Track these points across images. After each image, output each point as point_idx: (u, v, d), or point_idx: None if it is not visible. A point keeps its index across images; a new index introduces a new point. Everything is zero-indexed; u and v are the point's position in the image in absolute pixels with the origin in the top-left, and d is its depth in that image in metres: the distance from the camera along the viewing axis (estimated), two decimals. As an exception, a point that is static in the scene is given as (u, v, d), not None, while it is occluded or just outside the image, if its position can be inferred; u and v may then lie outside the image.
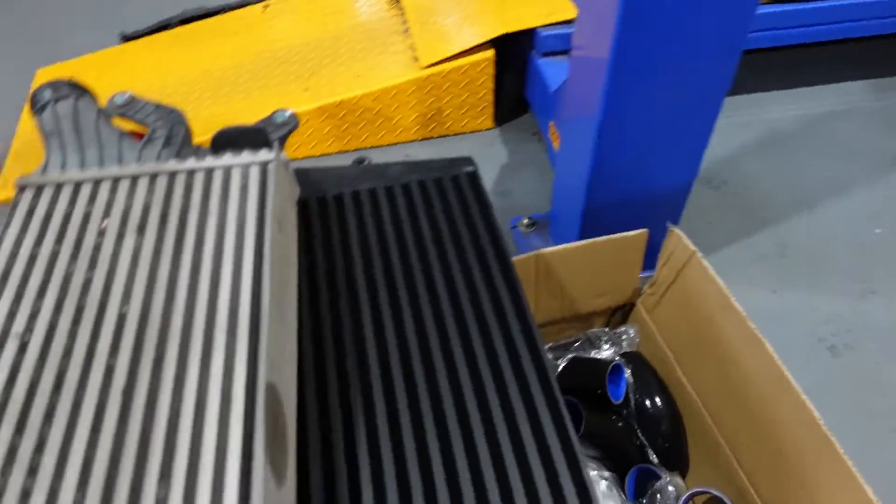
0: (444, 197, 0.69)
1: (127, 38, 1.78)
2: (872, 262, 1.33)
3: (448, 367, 0.55)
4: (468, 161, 0.72)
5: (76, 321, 0.51)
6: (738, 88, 1.71)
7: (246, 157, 0.63)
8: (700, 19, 0.85)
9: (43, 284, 0.53)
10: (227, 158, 0.63)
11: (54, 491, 0.42)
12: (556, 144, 1.38)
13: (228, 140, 0.64)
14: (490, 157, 1.58)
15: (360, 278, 0.62)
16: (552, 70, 1.39)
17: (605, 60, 0.88)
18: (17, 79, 1.81)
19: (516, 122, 1.66)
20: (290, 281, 0.58)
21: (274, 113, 0.68)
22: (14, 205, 0.60)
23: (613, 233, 0.93)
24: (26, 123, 1.63)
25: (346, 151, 1.55)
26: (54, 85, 0.66)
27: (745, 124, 1.67)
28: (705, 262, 0.87)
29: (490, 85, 1.49)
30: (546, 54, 1.42)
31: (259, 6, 1.73)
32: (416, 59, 1.46)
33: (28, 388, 0.47)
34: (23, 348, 0.49)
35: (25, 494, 0.42)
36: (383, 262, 0.63)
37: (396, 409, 0.53)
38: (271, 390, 0.45)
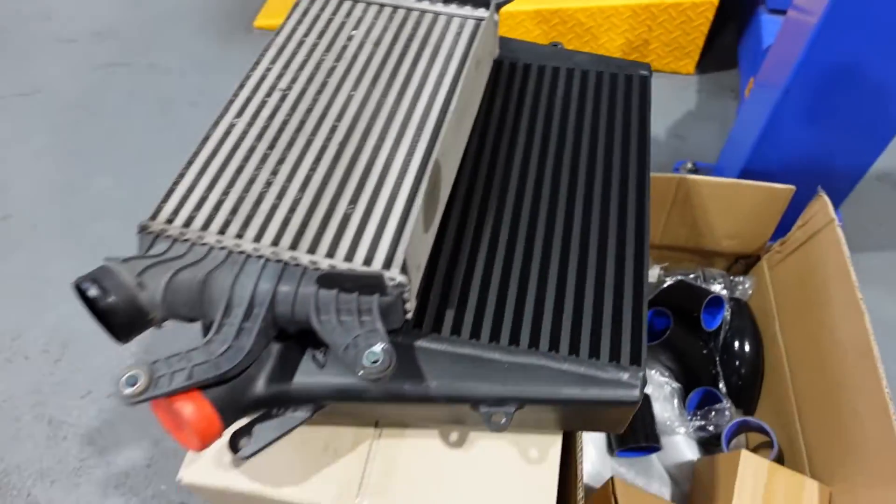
0: (613, 90, 0.80)
1: None
2: None
3: (566, 222, 0.68)
4: (645, 66, 0.82)
5: (319, 92, 0.71)
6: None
7: (467, 10, 0.79)
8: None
9: (303, 63, 0.74)
10: (452, 8, 0.79)
11: (284, 188, 0.62)
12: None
13: (457, -6, 0.79)
14: (679, 100, 1.62)
15: (522, 133, 0.76)
16: (773, 27, 1.38)
17: (814, 25, 0.91)
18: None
19: (717, 75, 1.66)
20: (472, 109, 0.74)
21: (493, -18, 0.81)
22: (296, 4, 0.81)
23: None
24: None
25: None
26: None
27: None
28: (840, 232, 0.91)
29: (705, 29, 1.50)
30: (774, 11, 1.41)
31: None
32: (639, -15, 1.51)
33: (281, 124, 0.68)
34: (283, 98, 0.70)
35: (268, 184, 0.63)
36: (544, 127, 0.77)
37: (516, 235, 0.67)
38: (437, 165, 0.62)
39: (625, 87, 0.81)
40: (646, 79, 0.82)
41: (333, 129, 0.67)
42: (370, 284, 0.54)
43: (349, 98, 0.70)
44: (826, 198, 0.95)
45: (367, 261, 0.57)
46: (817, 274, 0.94)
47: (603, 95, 0.80)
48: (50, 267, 1.38)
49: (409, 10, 0.79)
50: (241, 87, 0.72)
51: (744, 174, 1.16)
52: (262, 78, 0.72)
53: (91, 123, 1.62)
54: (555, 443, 0.65)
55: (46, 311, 1.31)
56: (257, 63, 0.74)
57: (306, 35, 0.77)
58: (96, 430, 1.17)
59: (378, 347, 0.52)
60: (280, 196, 0.62)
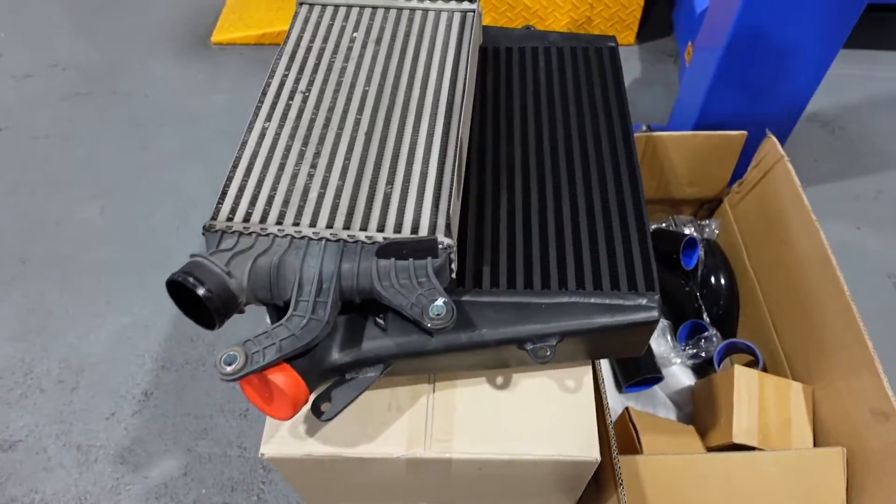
0: (587, 61, 0.90)
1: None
2: (965, 223, 1.42)
3: (569, 179, 0.78)
4: (612, 39, 0.92)
5: (336, 90, 0.78)
6: (884, 43, 1.74)
7: (453, 4, 0.87)
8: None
9: (316, 65, 0.81)
10: (440, 3, 0.87)
11: (326, 178, 0.70)
12: (689, 64, 1.52)
13: (441, -9, 0.87)
14: (625, 70, 1.73)
15: (516, 108, 0.85)
16: (702, -6, 1.52)
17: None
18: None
19: (656, 43, 1.80)
20: (472, 90, 0.83)
21: (473, -23, 0.90)
22: (296, 14, 0.87)
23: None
24: (240, -22, 1.95)
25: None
26: (328, -66, 0.92)
27: (883, 79, 1.72)
28: (789, 166, 1.04)
29: (641, 2, 1.63)
30: (700, -21, 1.54)
31: None
32: (578, -33, 1.62)
33: (309, 122, 0.75)
34: (305, 99, 0.77)
35: (310, 176, 0.70)
36: (535, 100, 0.86)
37: (529, 194, 0.77)
38: (461, 141, 0.70)
39: (596, 58, 0.91)
40: (613, 49, 0.92)
41: (357, 122, 0.75)
42: (423, 248, 0.63)
43: (364, 93, 0.78)
44: (774, 138, 1.08)
45: (414, 230, 0.65)
46: (774, 205, 1.07)
47: (580, 67, 0.90)
48: (48, 300, 1.39)
49: (401, 9, 0.87)
50: (264, 94, 0.78)
51: (697, 129, 1.29)
52: (282, 84, 0.79)
53: (63, 154, 1.62)
54: (587, 372, 0.75)
55: (53, 342, 1.33)
56: (273, 71, 0.81)
57: (312, 41, 0.84)
58: (126, 448, 1.21)
59: (440, 301, 0.60)
60: (324, 185, 0.69)
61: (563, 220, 0.74)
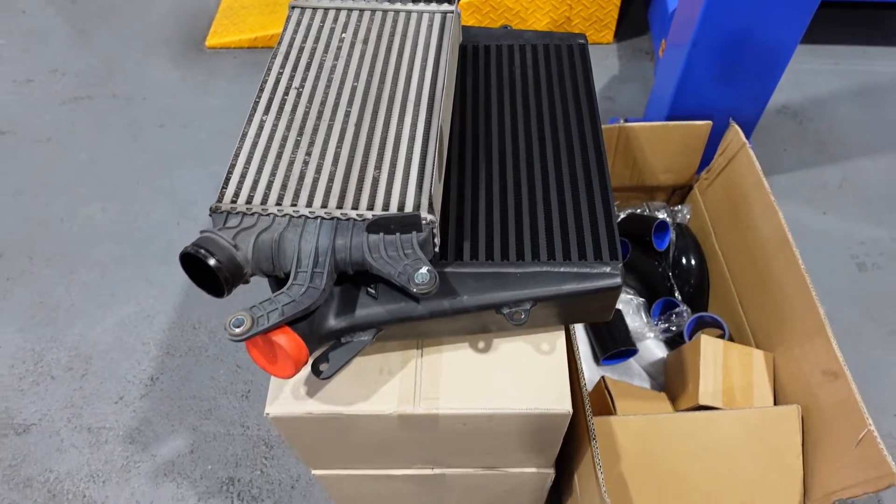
0: (559, 57, 0.98)
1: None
2: (922, 205, 1.50)
3: (542, 161, 0.86)
4: (582, 36, 1.00)
5: (328, 85, 0.86)
6: (849, 38, 1.83)
7: (433, 6, 0.95)
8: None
9: (308, 63, 0.88)
10: (421, 5, 0.95)
11: (320, 164, 0.77)
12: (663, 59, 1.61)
13: (423, -6, 0.95)
14: (604, 67, 1.82)
15: (493, 100, 0.93)
16: (673, -6, 1.60)
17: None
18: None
19: (633, 41, 1.88)
20: (452, 84, 0.91)
21: (452, -18, 0.98)
22: (289, 17, 0.95)
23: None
24: (233, -15, 2.02)
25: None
26: (317, -57, 0.99)
27: (847, 73, 1.80)
28: (752, 153, 1.12)
29: (617, 2, 1.71)
30: (671, -21, 1.63)
31: None
32: (556, -31, 1.70)
33: (303, 114, 0.82)
34: (298, 94, 0.85)
35: (305, 163, 0.77)
36: (510, 93, 0.94)
37: (505, 176, 0.84)
38: (441, 131, 0.78)
39: (567, 54, 0.99)
40: (583, 46, 1.00)
41: (347, 114, 0.82)
42: (409, 223, 0.70)
43: (353, 88, 0.85)
44: (737, 127, 1.16)
45: (401, 207, 0.72)
46: (738, 189, 1.15)
47: (552, 63, 0.98)
48: (55, 293, 1.46)
49: (386, 11, 0.95)
50: (261, 90, 0.85)
51: (668, 121, 1.37)
52: (277, 80, 0.86)
53: (65, 157, 1.69)
54: (560, 336, 0.83)
55: (62, 332, 1.40)
56: (269, 69, 0.88)
57: (304, 41, 0.91)
58: (135, 429, 1.28)
59: (424, 269, 0.68)
60: (318, 171, 0.76)
61: (536, 197, 0.82)
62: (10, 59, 1.93)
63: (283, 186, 0.75)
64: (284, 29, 0.94)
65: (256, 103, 0.84)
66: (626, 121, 1.65)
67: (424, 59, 0.88)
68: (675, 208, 1.32)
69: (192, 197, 1.58)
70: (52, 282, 1.47)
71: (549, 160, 0.86)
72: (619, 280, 0.75)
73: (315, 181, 0.76)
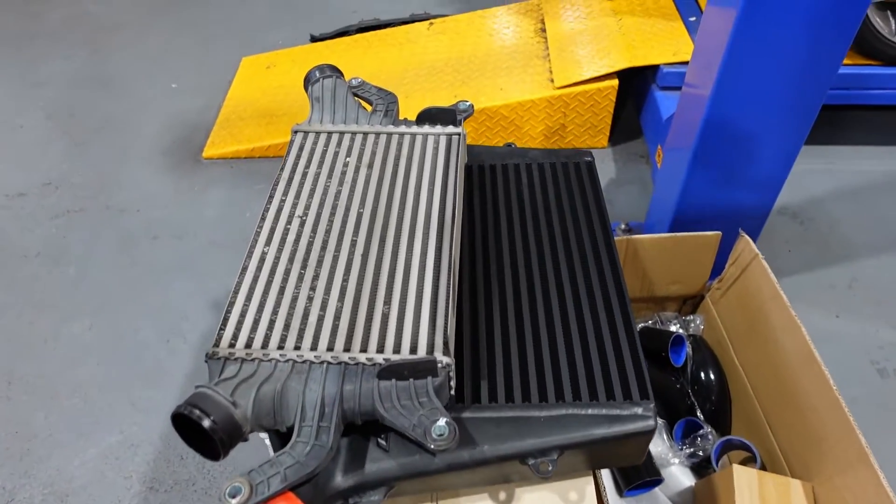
0: (567, 176, 0.96)
1: (315, 39, 2.18)
2: (937, 307, 1.47)
3: (558, 290, 0.81)
4: (588, 153, 0.99)
5: (332, 214, 0.82)
6: (841, 139, 1.86)
7: (438, 129, 0.93)
8: (787, 77, 1.07)
9: (311, 190, 0.85)
10: (426, 128, 0.93)
11: (325, 300, 0.72)
12: (660, 165, 1.61)
13: (428, 116, 0.94)
14: (601, 171, 1.82)
15: (503, 221, 0.90)
16: (667, 102, 1.63)
17: (706, 98, 1.12)
18: (225, 62, 2.26)
19: (627, 145, 1.90)
20: (460, 209, 0.88)
21: (458, 102, 0.97)
22: (291, 141, 0.93)
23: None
24: (231, 99, 2.06)
25: (479, 150, 1.86)
26: (320, 68, 0.99)
27: (840, 172, 1.82)
28: (765, 263, 1.09)
29: (611, 109, 1.74)
30: (664, 88, 1.66)
31: (425, 24, 2.07)
32: (551, 80, 1.74)
33: (307, 245, 0.78)
34: (302, 223, 0.81)
35: (310, 299, 0.72)
36: (520, 215, 0.91)
37: (520, 306, 0.80)
38: (453, 259, 0.74)
39: (575, 172, 0.97)
40: (590, 163, 0.98)
41: (354, 244, 0.78)
42: (424, 369, 0.64)
43: (359, 215, 0.82)
44: (747, 237, 1.13)
45: (413, 349, 0.67)
46: (755, 301, 1.10)
47: (560, 181, 0.95)
48: (33, 422, 1.36)
49: (390, 134, 0.93)
50: (263, 218, 0.82)
51: (673, 227, 1.35)
52: (280, 208, 0.83)
53: (53, 273, 1.64)
54: (588, 482, 0.75)
55: (37, 467, 1.29)
56: (271, 196, 0.85)
57: (307, 167, 0.89)
58: (111, 577, 1.15)
59: (442, 422, 0.61)
60: (323, 308, 0.71)
61: (555, 330, 0.77)
62: (4, 174, 1.91)
63: (287, 326, 0.70)
64: (287, 153, 0.91)
65: (258, 234, 0.80)
66: (627, 225, 1.64)
67: (432, 183, 0.85)
68: (688, 318, 1.27)
69: (183, 312, 1.52)
70: (31, 408, 1.38)
71: (565, 286, 0.81)
72: (652, 423, 0.68)
73: (320, 319, 0.70)
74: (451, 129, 0.93)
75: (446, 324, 0.68)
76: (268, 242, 0.79)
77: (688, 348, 1.18)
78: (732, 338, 1.18)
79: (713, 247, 1.17)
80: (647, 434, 0.69)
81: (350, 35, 2.17)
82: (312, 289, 0.73)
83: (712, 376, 1.17)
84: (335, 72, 1.00)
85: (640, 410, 0.69)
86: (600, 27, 1.81)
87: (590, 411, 0.69)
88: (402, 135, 0.93)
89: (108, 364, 1.44)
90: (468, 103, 0.97)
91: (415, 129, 0.93)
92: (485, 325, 0.78)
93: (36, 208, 1.81)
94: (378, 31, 2.13)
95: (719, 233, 1.16)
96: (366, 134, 0.93)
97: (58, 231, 1.74)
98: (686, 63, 1.64)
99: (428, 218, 0.81)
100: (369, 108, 1.00)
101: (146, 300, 1.56)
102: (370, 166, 0.89)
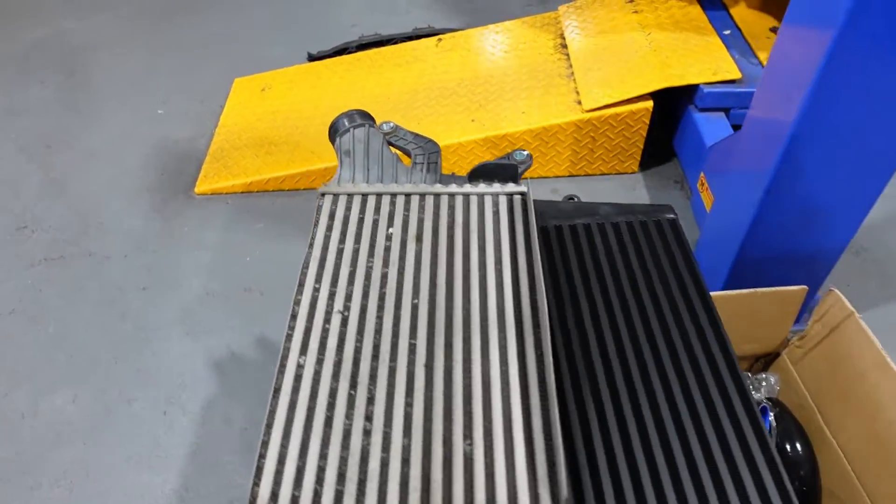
0: (649, 239, 0.80)
1: (312, 58, 2.01)
2: None
3: (660, 375, 0.66)
4: (670, 209, 0.83)
5: (381, 307, 0.66)
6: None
7: (496, 187, 0.77)
8: (883, 91, 0.92)
9: (351, 274, 0.69)
10: (482, 187, 0.77)
11: (387, 434, 0.56)
12: (704, 195, 1.47)
13: (484, 171, 0.78)
14: (633, 197, 1.68)
15: (583, 300, 0.74)
16: (709, 125, 1.49)
17: (788, 124, 0.97)
18: (216, 83, 2.08)
19: (658, 169, 1.75)
20: (542, 296, 0.72)
21: (514, 151, 0.81)
22: (318, 207, 0.76)
23: (758, 286, 1.02)
24: (224, 127, 1.88)
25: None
26: (349, 115, 0.83)
27: (890, 195, 1.68)
28: (863, 323, 0.94)
29: (643, 133, 1.60)
30: (704, 109, 1.52)
31: (432, 40, 1.91)
32: (578, 102, 1.59)
33: (353, 353, 0.62)
34: (344, 322, 0.65)
35: (366, 433, 0.56)
36: (601, 287, 0.75)
37: (640, 408, 0.64)
38: (546, 367, 0.58)
39: (657, 232, 0.82)
40: (674, 221, 0.83)
41: (412, 348, 0.62)
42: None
43: (414, 308, 0.66)
44: (838, 292, 0.99)
45: (513, 502, 0.51)
46: (849, 365, 0.96)
47: (643, 246, 0.80)
48: (10, 515, 1.18)
49: (438, 195, 0.77)
50: (294, 317, 0.65)
51: (736, 266, 1.21)
52: (314, 302, 0.66)
53: (30, 332, 1.45)
54: None
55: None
56: (301, 284, 0.68)
57: (342, 242, 0.72)
58: None
59: None
60: (386, 447, 0.55)
61: (669, 438, 0.61)
62: (-28, 216, 1.72)
63: (341, 477, 0.53)
64: (315, 225, 0.75)
65: (289, 337, 0.64)
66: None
67: (498, 262, 0.69)
68: (760, 376, 1.12)
69: (180, 377, 1.34)
70: (6, 500, 1.19)
71: (671, 378, 0.66)
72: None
73: (384, 464, 0.54)
74: (511, 186, 0.77)
75: (553, 464, 0.52)
76: (303, 350, 0.62)
77: (771, 417, 1.03)
78: (819, 402, 1.03)
79: (798, 303, 1.02)
80: None
81: (350, 53, 2.00)
82: (368, 418, 0.57)
83: (799, 447, 1.02)
84: (367, 119, 0.84)
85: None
86: (628, 43, 1.66)
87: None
88: (452, 195, 0.77)
89: (96, 444, 1.26)
90: (525, 153, 0.81)
91: (468, 188, 0.77)
92: (600, 435, 0.62)
93: (10, 257, 1.62)
94: (381, 49, 1.96)
95: (805, 287, 1.01)
96: (408, 195, 0.77)
97: (34, 283, 1.56)
98: (729, 82, 1.50)
99: (501, 311, 0.65)
100: (407, 160, 0.84)
101: (137, 363, 1.38)
102: (419, 239, 0.72)
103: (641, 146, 1.64)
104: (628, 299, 0.74)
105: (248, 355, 1.38)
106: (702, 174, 1.49)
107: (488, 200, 0.76)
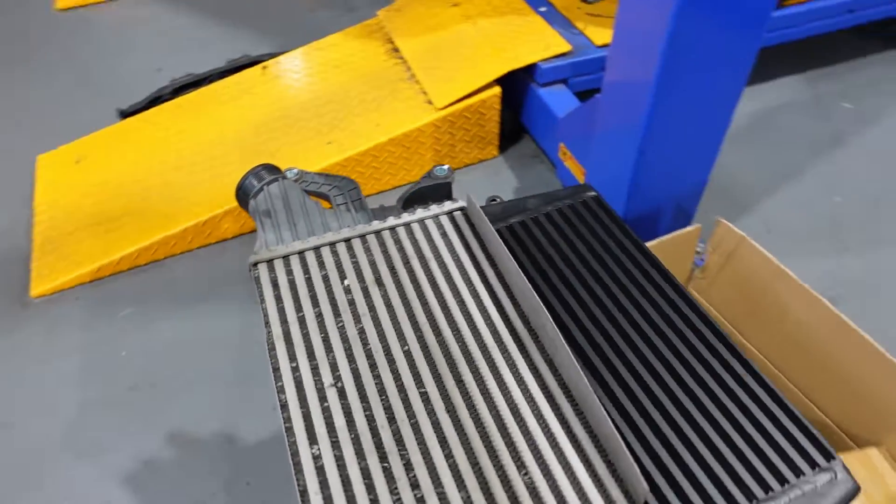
0: (583, 220, 0.83)
1: (125, 114, 1.81)
2: (839, 226, 1.58)
3: (659, 359, 0.68)
4: (588, 187, 0.86)
5: (373, 366, 0.61)
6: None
7: (434, 209, 0.75)
8: (723, 45, 1.03)
9: (325, 341, 0.63)
10: (420, 212, 0.74)
11: (442, 495, 0.52)
12: (569, 163, 1.55)
13: (416, 197, 0.75)
14: (500, 182, 1.73)
15: (551, 297, 0.74)
16: (554, 98, 1.57)
17: (648, 84, 1.05)
18: (15, 164, 1.79)
19: (516, 148, 1.82)
20: (531, 295, 0.70)
21: (433, 169, 0.79)
22: (256, 279, 0.69)
23: (644, 237, 1.10)
24: (42, 212, 1.63)
25: (368, 196, 1.66)
26: (255, 173, 0.75)
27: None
28: (756, 245, 1.05)
29: (497, 118, 1.64)
30: (545, 84, 1.60)
31: (256, 69, 1.80)
32: (429, 102, 1.59)
33: (367, 423, 0.57)
34: (342, 394, 0.59)
35: (421, 501, 0.52)
36: (560, 278, 0.76)
37: (634, 394, 0.65)
38: (566, 365, 0.57)
39: (587, 211, 0.84)
40: (598, 198, 0.86)
41: (426, 398, 0.58)
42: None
43: (408, 355, 0.61)
44: (726, 223, 1.09)
45: (593, 521, 0.50)
46: (754, 283, 1.07)
47: (581, 229, 0.81)
48: None
49: (378, 232, 0.73)
50: (284, 406, 0.58)
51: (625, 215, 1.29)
52: (298, 383, 0.60)
53: None
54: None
55: None
56: (277, 369, 0.61)
57: (299, 310, 0.65)
58: None
59: None
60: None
61: (692, 415, 0.64)
62: None
63: (415, 561, 0.49)
64: (262, 300, 0.67)
65: (290, 431, 0.56)
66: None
67: (469, 283, 0.67)
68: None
69: (93, 509, 1.15)
70: None
71: (663, 352, 0.68)
72: (853, 484, 0.59)
73: (451, 527, 0.50)
74: (449, 204, 0.75)
75: (611, 463, 0.52)
76: (312, 439, 0.56)
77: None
78: (732, 321, 1.15)
79: (695, 241, 1.12)
80: (854, 495, 0.59)
81: (167, 100, 1.83)
82: (415, 485, 0.53)
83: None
84: (275, 172, 0.77)
85: (835, 475, 0.59)
86: (458, 35, 1.69)
87: (792, 495, 0.57)
88: (393, 229, 0.73)
89: None
90: (445, 167, 0.80)
91: (406, 217, 0.74)
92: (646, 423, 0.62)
93: None
94: (201, 90, 1.82)
95: (699, 226, 1.11)
96: (348, 240, 0.72)
97: None
98: (562, 55, 1.59)
99: (493, 330, 0.63)
100: (327, 204, 0.78)
101: (33, 512, 1.16)
102: (379, 283, 0.68)
103: (497, 131, 1.69)
104: (592, 285, 0.75)
105: (166, 457, 1.22)
106: (561, 144, 1.57)
107: (432, 224, 0.74)
